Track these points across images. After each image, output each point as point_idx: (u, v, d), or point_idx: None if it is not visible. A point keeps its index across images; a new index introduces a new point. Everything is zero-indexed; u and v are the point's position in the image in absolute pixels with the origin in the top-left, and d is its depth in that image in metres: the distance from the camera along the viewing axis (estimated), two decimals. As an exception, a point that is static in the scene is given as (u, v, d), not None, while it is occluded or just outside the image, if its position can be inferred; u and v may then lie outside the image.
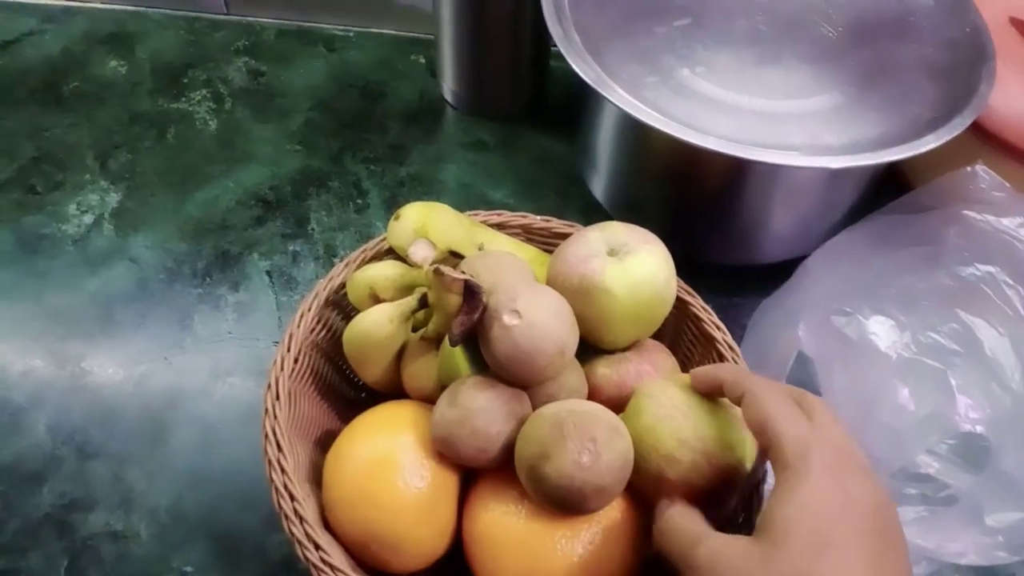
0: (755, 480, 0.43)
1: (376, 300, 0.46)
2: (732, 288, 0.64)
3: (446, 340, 0.44)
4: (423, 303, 0.44)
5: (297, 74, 0.81)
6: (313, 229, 0.67)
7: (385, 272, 0.46)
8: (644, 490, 0.41)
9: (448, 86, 0.77)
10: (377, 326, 0.45)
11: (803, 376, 0.54)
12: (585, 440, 0.39)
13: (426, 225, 0.48)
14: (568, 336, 0.43)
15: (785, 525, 0.31)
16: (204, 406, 0.57)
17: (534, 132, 0.76)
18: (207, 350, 0.60)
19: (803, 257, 0.61)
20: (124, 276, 0.64)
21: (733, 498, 0.41)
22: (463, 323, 0.42)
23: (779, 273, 0.61)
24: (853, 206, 0.62)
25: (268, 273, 0.64)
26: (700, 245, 0.64)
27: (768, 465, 0.42)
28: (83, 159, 0.72)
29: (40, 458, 0.54)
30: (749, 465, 0.40)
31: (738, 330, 0.62)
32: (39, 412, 0.56)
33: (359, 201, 0.70)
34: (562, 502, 0.39)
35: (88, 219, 0.68)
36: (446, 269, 0.42)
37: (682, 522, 0.37)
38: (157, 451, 0.55)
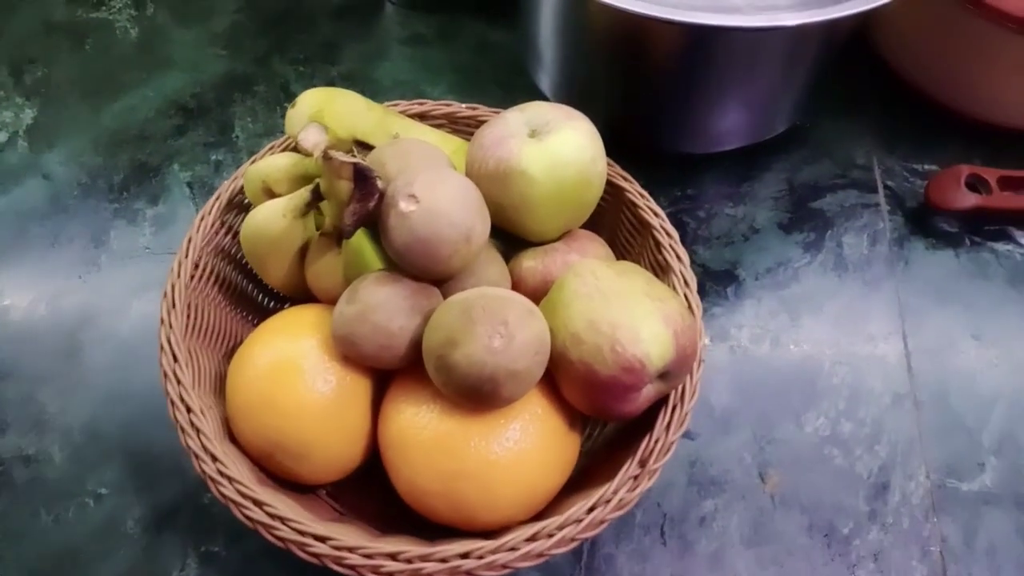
0: (669, 386, 0.39)
1: (271, 195, 0.42)
2: (686, 179, 0.60)
3: (352, 235, 0.40)
4: (317, 195, 0.40)
5: (223, -27, 0.75)
6: (237, 136, 0.63)
7: (277, 163, 0.42)
8: (549, 371, 0.38)
9: (383, -23, 0.71)
10: (270, 221, 0.41)
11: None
12: (496, 323, 0.35)
13: (324, 111, 0.43)
14: (474, 221, 0.39)
15: None
16: (120, 324, 0.54)
17: (475, 22, 0.71)
18: (123, 266, 0.56)
19: (761, 143, 0.56)
20: (36, 193, 0.60)
21: (636, 398, 0.38)
22: (355, 211, 0.38)
23: (737, 161, 0.56)
24: (817, 80, 0.57)
25: (189, 184, 0.60)
26: (651, 133, 0.59)
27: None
28: (-4, 74, 0.68)
29: (-54, 383, 0.51)
30: (659, 365, 0.37)
31: (693, 223, 0.58)
32: (-54, 336, 0.53)
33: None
34: (475, 392, 0.36)
35: (2, 137, 0.63)
36: (335, 153, 0.38)
37: None
38: (71, 371, 0.52)
